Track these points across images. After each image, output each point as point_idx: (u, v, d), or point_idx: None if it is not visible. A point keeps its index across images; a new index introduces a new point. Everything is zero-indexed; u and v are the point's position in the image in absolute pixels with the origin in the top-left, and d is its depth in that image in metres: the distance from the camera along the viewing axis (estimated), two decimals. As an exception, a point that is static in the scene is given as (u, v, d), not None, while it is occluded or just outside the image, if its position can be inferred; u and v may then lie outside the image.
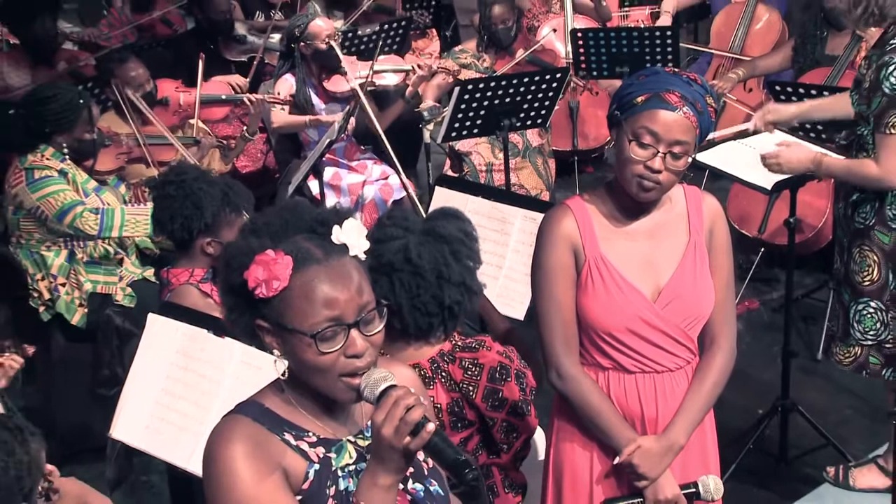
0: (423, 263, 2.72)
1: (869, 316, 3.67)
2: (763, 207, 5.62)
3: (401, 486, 1.99)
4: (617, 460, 2.71)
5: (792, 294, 4.52)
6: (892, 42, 3.41)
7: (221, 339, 3.12)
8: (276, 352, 1.93)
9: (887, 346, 3.67)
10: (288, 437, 1.95)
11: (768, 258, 5.86)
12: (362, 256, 1.96)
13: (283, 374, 1.95)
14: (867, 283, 3.65)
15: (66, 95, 4.62)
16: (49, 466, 2.64)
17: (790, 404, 4.40)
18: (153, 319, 3.30)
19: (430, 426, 1.86)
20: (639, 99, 2.57)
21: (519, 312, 3.73)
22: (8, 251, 4.75)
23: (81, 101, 4.65)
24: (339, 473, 1.98)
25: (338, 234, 1.92)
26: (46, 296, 4.66)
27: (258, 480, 1.89)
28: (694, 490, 2.71)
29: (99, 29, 7.98)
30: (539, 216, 3.82)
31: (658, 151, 2.54)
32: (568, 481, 2.84)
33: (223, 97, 6.04)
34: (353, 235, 1.93)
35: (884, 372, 3.72)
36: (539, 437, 3.66)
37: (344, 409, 2.04)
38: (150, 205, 4.50)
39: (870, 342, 3.69)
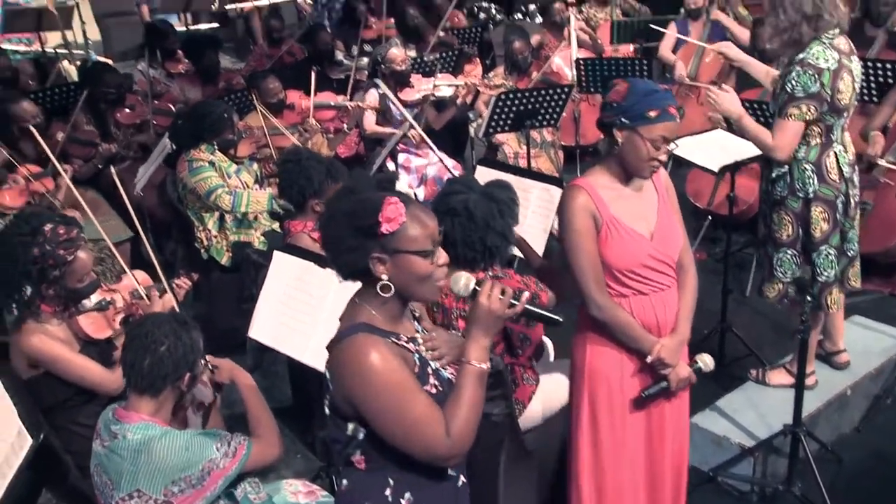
0: (477, 213, 2.69)
1: (787, 261, 3.54)
2: (711, 187, 5.48)
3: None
4: (649, 359, 2.65)
5: (730, 248, 4.40)
6: (792, 63, 3.28)
7: (324, 270, 3.07)
8: (384, 276, 1.86)
9: (798, 280, 3.55)
10: (392, 339, 1.90)
11: (714, 223, 5.70)
12: None
13: (388, 292, 1.87)
14: (784, 237, 3.51)
15: (217, 111, 4.58)
16: (208, 356, 2.63)
17: (727, 326, 4.30)
18: (278, 255, 3.25)
19: (526, 294, 1.87)
20: (651, 113, 2.47)
21: (534, 254, 3.61)
22: (183, 211, 4.73)
23: (226, 114, 4.59)
24: (427, 359, 1.96)
25: (400, 187, 1.87)
26: (205, 243, 4.64)
27: (402, 368, 1.85)
28: (698, 366, 2.70)
29: (248, 63, 7.98)
30: (551, 188, 3.73)
31: (666, 149, 2.50)
32: (602, 385, 2.72)
33: (332, 104, 5.95)
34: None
35: (797, 298, 3.59)
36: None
37: (406, 317, 2.00)
38: (267, 190, 4.51)
39: (788, 279, 3.57)
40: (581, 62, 6.25)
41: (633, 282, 2.62)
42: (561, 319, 1.95)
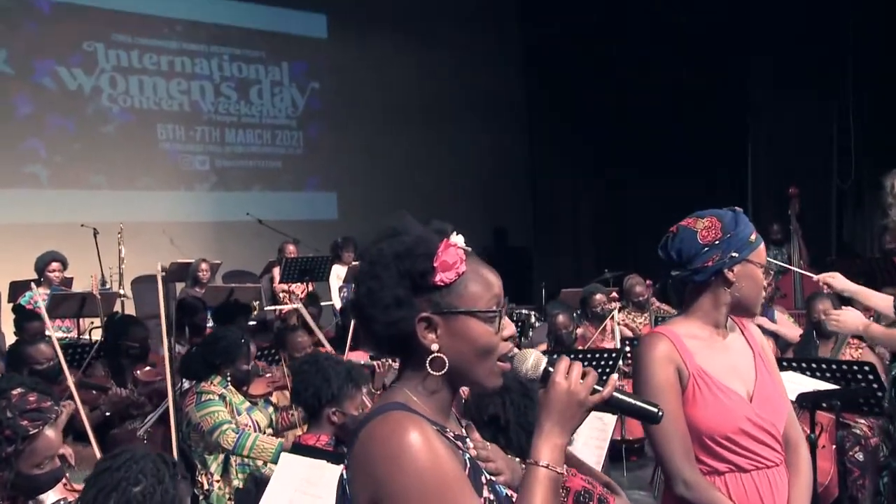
0: (534, 388, 2.30)
1: None
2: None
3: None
4: None
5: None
6: None
7: (336, 466, 2.65)
8: (434, 346, 1.45)
9: None
10: (437, 429, 1.44)
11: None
12: None
13: (441, 368, 1.44)
14: None
15: (231, 336, 4.41)
16: None
17: None
18: (285, 457, 2.87)
19: (614, 376, 1.45)
20: (752, 237, 2.21)
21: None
22: (186, 450, 4.29)
23: (242, 339, 4.41)
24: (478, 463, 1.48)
25: (456, 240, 1.49)
26: (205, 487, 4.16)
27: (450, 459, 1.38)
28: None
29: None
30: (604, 416, 3.40)
31: None
32: None
33: (363, 362, 5.72)
34: (462, 240, 1.50)
35: None
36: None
37: (451, 412, 1.54)
38: (279, 439, 4.10)
39: None
40: (628, 341, 6.05)
41: (729, 453, 2.15)
42: (660, 412, 1.50)
